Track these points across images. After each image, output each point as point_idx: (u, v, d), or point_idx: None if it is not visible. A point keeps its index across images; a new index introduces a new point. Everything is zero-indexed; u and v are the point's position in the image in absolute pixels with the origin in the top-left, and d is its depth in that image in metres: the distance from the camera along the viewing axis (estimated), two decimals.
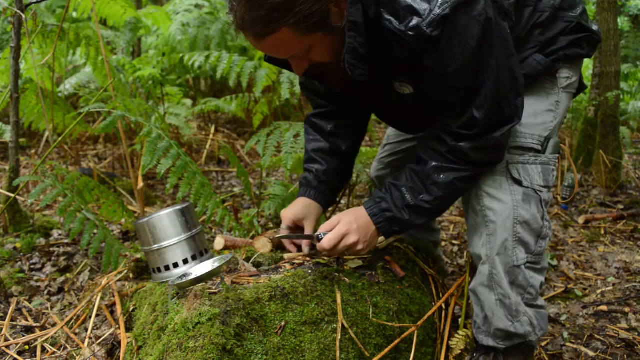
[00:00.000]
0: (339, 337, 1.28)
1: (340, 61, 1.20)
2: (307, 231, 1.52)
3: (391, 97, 1.37)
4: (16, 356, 1.45)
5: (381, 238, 1.68)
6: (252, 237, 2.15)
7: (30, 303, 1.80)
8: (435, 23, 1.08)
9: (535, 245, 1.38)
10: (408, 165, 1.39)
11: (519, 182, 1.36)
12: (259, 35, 1.12)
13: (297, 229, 1.55)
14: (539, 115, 1.40)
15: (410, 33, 1.10)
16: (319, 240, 1.38)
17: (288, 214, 1.53)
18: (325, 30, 1.13)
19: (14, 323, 1.65)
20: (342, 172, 1.66)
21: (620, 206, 3.20)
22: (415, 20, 1.09)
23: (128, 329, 1.45)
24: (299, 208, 1.55)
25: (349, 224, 1.35)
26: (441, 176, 1.30)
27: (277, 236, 1.52)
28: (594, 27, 1.42)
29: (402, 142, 1.83)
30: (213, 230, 2.55)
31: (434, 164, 1.31)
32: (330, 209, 2.87)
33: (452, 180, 1.30)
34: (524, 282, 1.39)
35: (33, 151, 4.01)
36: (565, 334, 1.79)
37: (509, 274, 1.37)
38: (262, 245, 1.63)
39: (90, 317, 1.55)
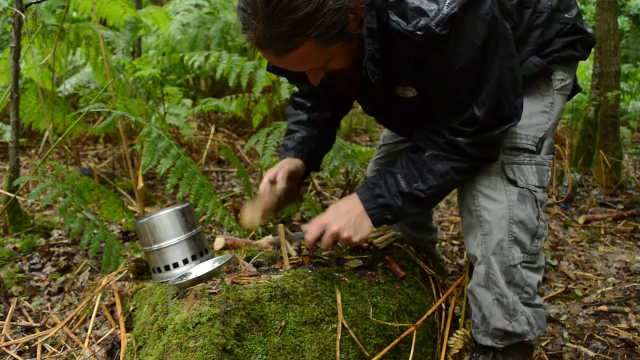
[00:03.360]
0: (339, 337, 1.28)
1: (353, 66, 1.21)
2: (279, 179, 1.46)
3: (394, 102, 1.38)
4: (16, 356, 1.45)
5: (381, 237, 1.69)
6: (252, 237, 2.16)
7: (30, 303, 1.80)
8: (444, 22, 1.09)
9: (531, 245, 1.38)
10: (404, 154, 1.38)
11: (514, 182, 1.36)
12: (281, 52, 1.10)
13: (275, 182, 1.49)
14: (533, 116, 1.40)
15: (419, 33, 1.11)
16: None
17: (269, 170, 1.51)
18: (345, 39, 1.13)
19: (14, 323, 1.66)
20: (319, 140, 1.64)
21: (620, 206, 3.20)
22: (423, 21, 1.10)
23: (128, 329, 1.45)
24: (277, 165, 1.54)
25: (328, 215, 1.35)
26: (438, 165, 1.30)
27: (270, 240, 1.50)
28: (589, 30, 1.43)
29: (398, 143, 1.84)
30: (213, 230, 2.55)
31: (431, 152, 1.31)
32: None
33: (448, 170, 1.30)
34: (521, 282, 1.39)
35: (33, 151, 4.01)
36: (565, 334, 1.79)
37: (505, 273, 1.37)
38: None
39: (90, 317, 1.55)
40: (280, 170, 1.50)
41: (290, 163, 1.53)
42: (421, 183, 1.31)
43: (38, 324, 1.66)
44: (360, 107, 1.73)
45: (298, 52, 1.10)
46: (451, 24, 1.09)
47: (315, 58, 1.15)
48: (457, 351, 1.50)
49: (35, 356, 1.45)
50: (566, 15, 1.39)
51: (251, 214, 1.44)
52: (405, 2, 1.12)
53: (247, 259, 1.59)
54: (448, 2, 1.09)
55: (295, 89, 1.72)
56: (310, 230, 1.35)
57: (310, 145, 1.60)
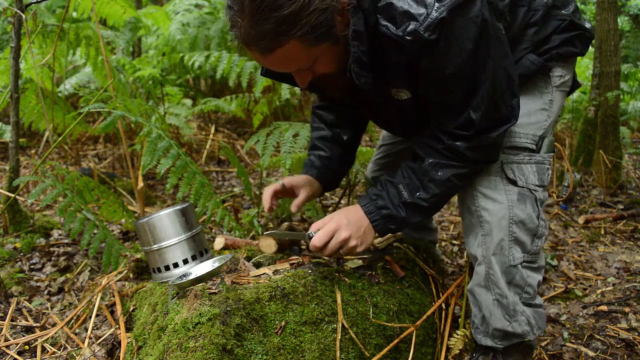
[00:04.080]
0: (339, 337, 1.28)
1: (342, 70, 1.20)
2: (299, 198, 1.58)
3: (388, 104, 1.37)
4: (16, 356, 1.45)
5: (381, 238, 1.69)
6: (253, 237, 2.15)
7: (30, 303, 1.80)
8: (432, 27, 1.08)
9: (531, 245, 1.38)
10: (405, 162, 1.38)
11: (513, 182, 1.35)
12: (266, 50, 1.10)
13: (289, 193, 1.60)
14: (532, 114, 1.40)
15: (408, 38, 1.10)
16: (310, 238, 1.35)
17: (288, 178, 1.59)
18: (331, 41, 1.13)
19: (14, 323, 1.66)
20: (343, 161, 1.70)
21: (620, 206, 3.20)
22: (412, 25, 1.09)
23: (128, 329, 1.45)
24: (300, 178, 1.61)
25: (339, 221, 1.34)
26: (439, 173, 1.30)
27: (266, 233, 1.51)
28: (587, 25, 1.41)
29: (396, 143, 1.83)
30: (213, 230, 2.55)
31: (431, 160, 1.31)
32: (330, 208, 2.87)
33: (449, 177, 1.30)
34: (521, 282, 1.39)
35: (33, 151, 4.01)
36: (565, 334, 1.79)
37: (505, 273, 1.37)
38: (267, 246, 1.60)
39: (90, 317, 1.55)
40: (299, 199, 1.58)
41: (309, 188, 1.60)
42: (423, 192, 1.31)
43: (38, 324, 1.66)
44: None
45: (283, 51, 1.09)
46: (440, 28, 1.08)
47: (300, 58, 1.14)
48: (457, 351, 1.50)
49: (35, 356, 1.45)
50: (563, 12, 1.38)
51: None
52: (394, 6, 1.11)
53: (247, 259, 1.59)
54: (437, 6, 1.08)
55: (315, 101, 1.75)
56: (320, 237, 1.32)
57: (333, 167, 1.66)
